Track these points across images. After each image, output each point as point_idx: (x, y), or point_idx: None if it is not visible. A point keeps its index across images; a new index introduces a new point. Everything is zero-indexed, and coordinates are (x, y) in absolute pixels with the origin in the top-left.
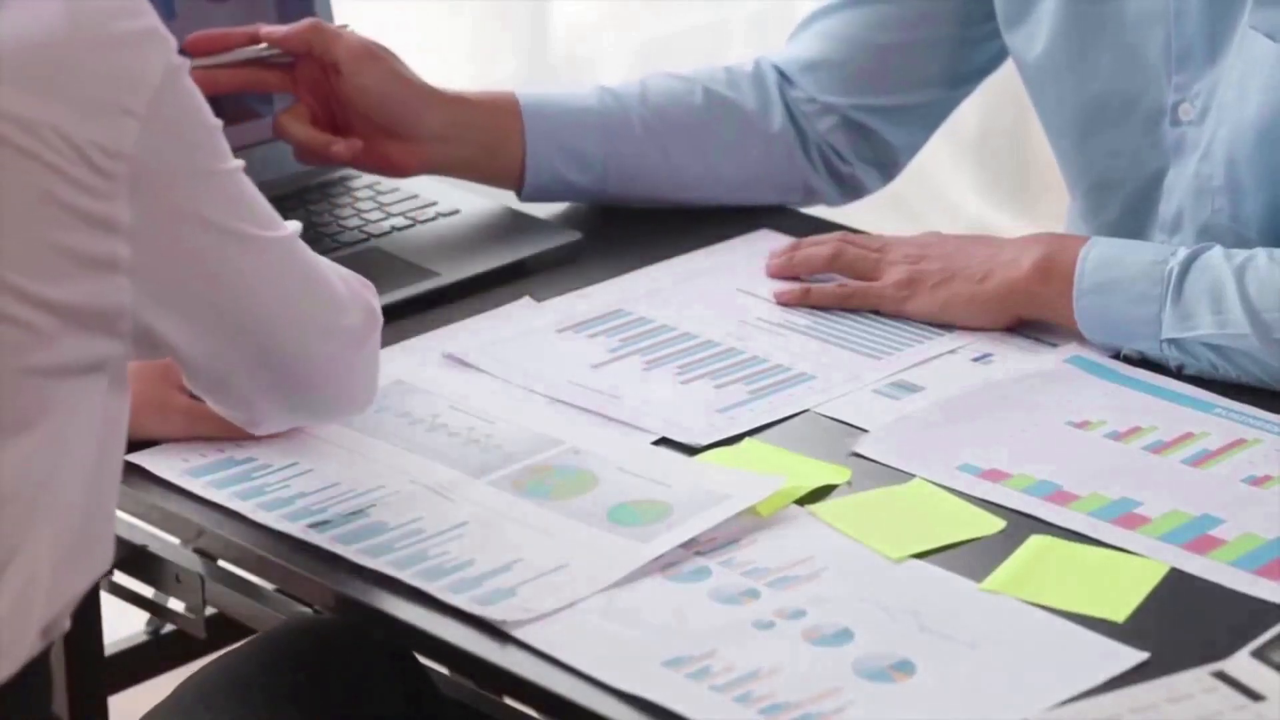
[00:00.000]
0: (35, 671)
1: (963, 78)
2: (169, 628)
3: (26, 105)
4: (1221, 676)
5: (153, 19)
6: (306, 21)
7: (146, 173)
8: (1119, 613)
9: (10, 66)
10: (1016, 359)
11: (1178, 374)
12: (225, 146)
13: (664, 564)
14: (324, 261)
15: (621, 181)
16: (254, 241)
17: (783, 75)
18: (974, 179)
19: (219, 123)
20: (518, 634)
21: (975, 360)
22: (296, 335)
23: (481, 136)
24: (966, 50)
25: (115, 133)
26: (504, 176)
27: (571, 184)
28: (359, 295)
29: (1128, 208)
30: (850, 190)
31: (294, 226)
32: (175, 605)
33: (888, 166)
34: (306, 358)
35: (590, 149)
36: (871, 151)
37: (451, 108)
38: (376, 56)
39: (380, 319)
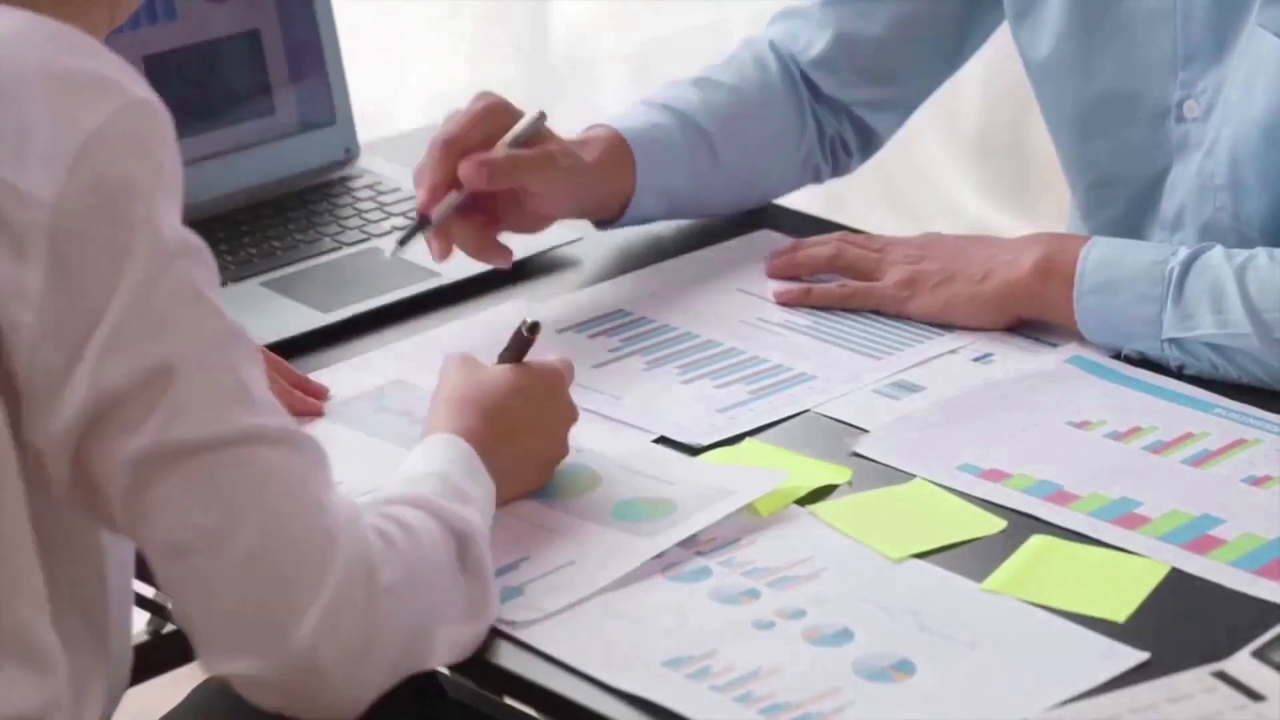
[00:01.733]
0: None
1: (959, 63)
2: (169, 628)
3: None
4: (1221, 676)
5: (106, 66)
6: (505, 160)
7: (65, 233)
8: (1119, 613)
9: None
10: (1016, 359)
11: (1178, 374)
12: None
13: (665, 564)
14: (324, 499)
15: (684, 210)
16: (198, 366)
17: (801, 72)
18: (974, 179)
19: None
20: (518, 634)
21: (975, 360)
22: (248, 540)
23: (603, 188)
24: (964, 36)
25: (34, 177)
26: (597, 216)
27: (647, 217)
28: (358, 547)
29: (1129, 205)
30: (835, 175)
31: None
32: None
33: (871, 152)
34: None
35: (674, 185)
36: (863, 141)
37: (599, 180)
38: (558, 167)
39: (396, 589)
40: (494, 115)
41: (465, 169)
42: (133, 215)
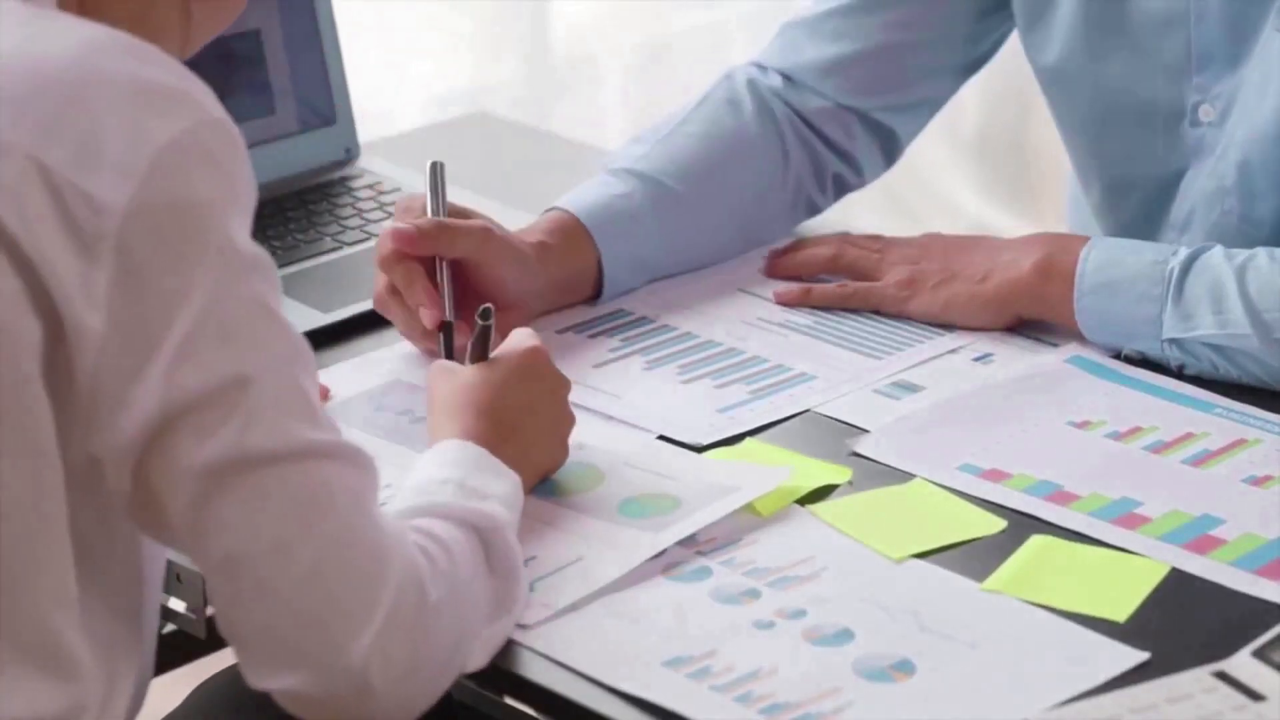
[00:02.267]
0: None
1: (971, 71)
2: (169, 627)
3: (12, 132)
4: (1221, 676)
5: (186, 82)
6: (431, 223)
7: (134, 240)
8: (1119, 613)
9: (9, 89)
10: (1016, 359)
11: (1178, 374)
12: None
13: (665, 564)
14: (379, 517)
15: (670, 270)
16: (270, 379)
17: (794, 87)
18: (974, 179)
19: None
20: (520, 635)
21: (975, 360)
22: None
23: (558, 270)
24: (976, 45)
25: (106, 185)
26: (569, 299)
27: (629, 288)
28: (410, 567)
29: (1144, 207)
30: (839, 197)
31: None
32: (176, 605)
33: (894, 157)
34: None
35: (645, 252)
36: (883, 155)
37: (546, 264)
38: (496, 242)
39: (441, 607)
40: (409, 205)
41: (389, 236)
42: (204, 227)
